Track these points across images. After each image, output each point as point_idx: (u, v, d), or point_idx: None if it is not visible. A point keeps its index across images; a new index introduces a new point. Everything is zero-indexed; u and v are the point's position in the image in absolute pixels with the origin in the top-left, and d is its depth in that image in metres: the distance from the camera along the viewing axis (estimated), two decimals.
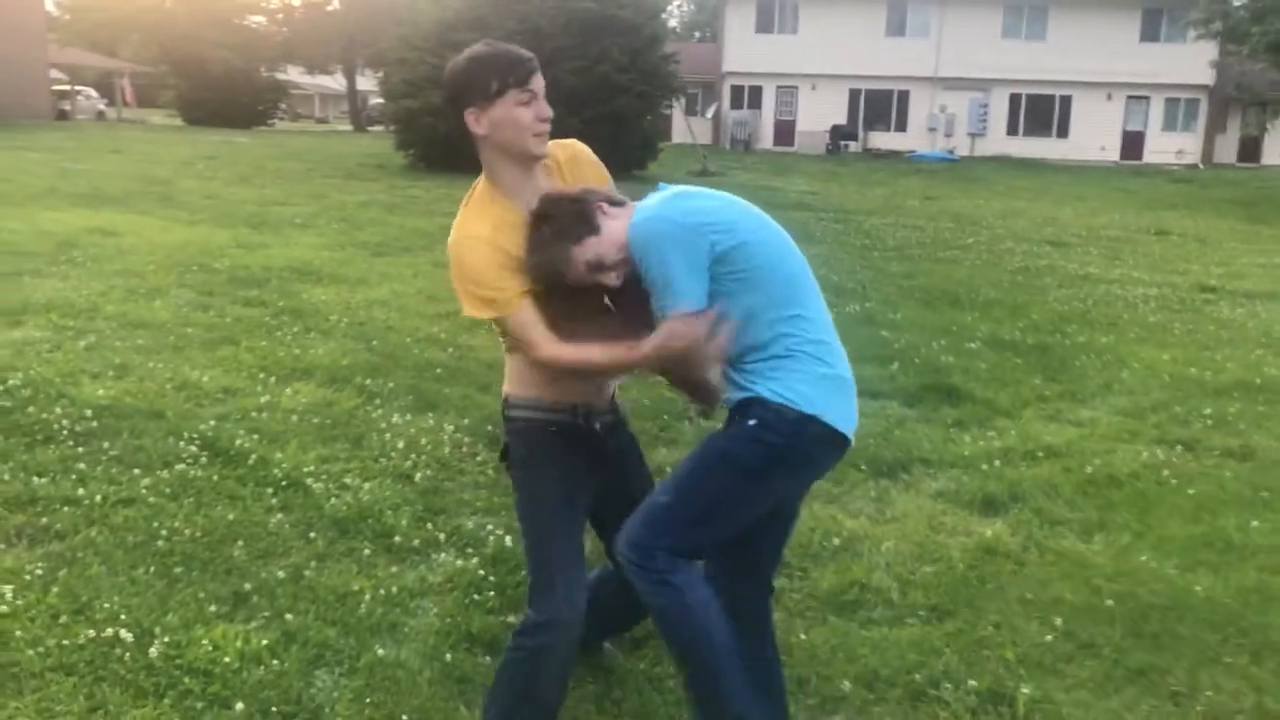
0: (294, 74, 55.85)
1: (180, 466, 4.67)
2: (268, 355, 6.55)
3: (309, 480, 4.60)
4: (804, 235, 14.73)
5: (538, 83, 2.71)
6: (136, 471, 4.59)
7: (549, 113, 2.72)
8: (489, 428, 5.40)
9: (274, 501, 4.39)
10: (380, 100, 38.26)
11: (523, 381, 2.87)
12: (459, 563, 3.93)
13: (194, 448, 4.88)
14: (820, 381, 2.61)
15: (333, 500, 4.43)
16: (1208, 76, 39.52)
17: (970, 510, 4.71)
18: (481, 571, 3.85)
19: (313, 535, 4.10)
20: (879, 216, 17.52)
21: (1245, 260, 14.04)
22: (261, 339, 6.96)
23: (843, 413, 2.65)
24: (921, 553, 4.22)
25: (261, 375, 6.13)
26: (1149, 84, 40.73)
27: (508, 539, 4.10)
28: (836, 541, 4.25)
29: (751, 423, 2.58)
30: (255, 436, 5.09)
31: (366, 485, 4.60)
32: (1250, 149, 43.56)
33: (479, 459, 5.04)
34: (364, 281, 9.32)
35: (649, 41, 24.72)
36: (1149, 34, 40.53)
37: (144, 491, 4.39)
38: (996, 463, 5.26)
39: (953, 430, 5.87)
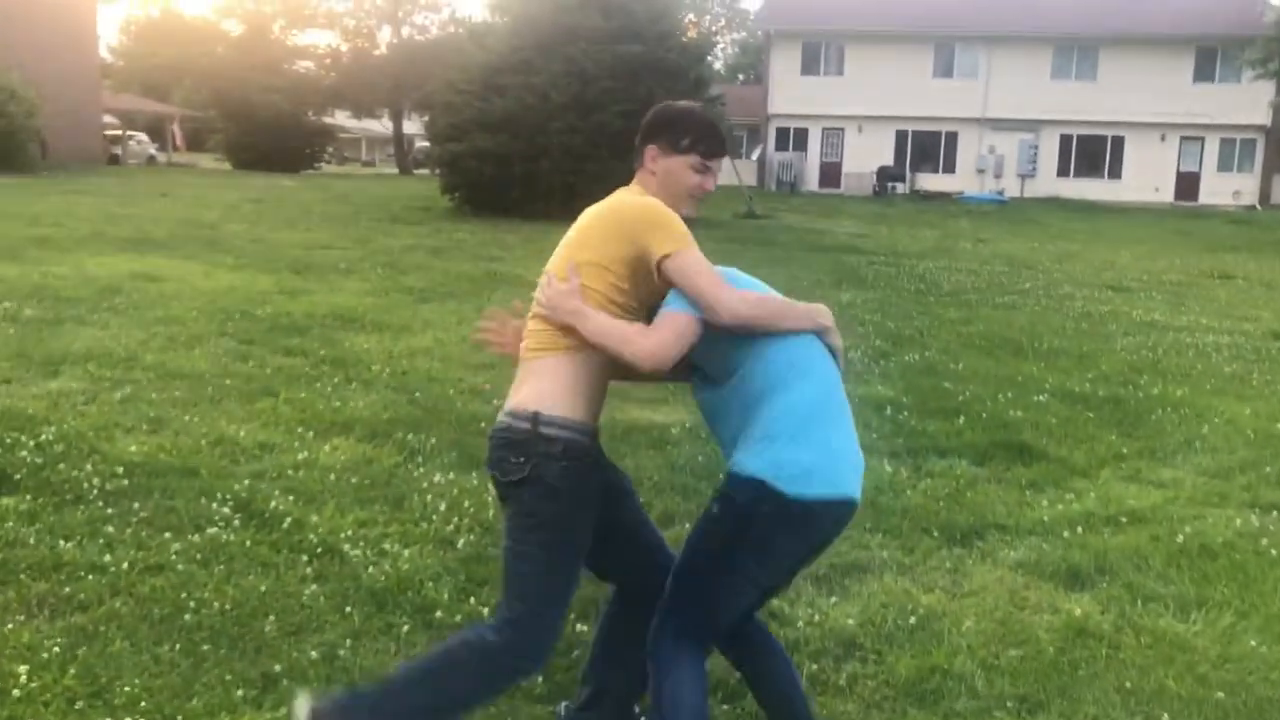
0: (341, 118, 56.60)
1: (212, 530, 4.43)
2: (307, 408, 6.33)
3: (346, 546, 4.34)
4: (856, 279, 14.47)
5: (720, 164, 2.90)
6: (167, 535, 4.35)
7: (713, 188, 2.89)
8: None
9: (308, 570, 4.13)
10: (425, 144, 38.51)
11: (571, 394, 2.68)
12: None
13: (227, 509, 4.64)
14: None
15: (370, 569, 4.16)
16: (1265, 116, 38.84)
17: (1054, 583, 4.36)
18: None
19: (349, 609, 3.83)
20: (931, 260, 17.17)
21: None
22: (301, 390, 6.75)
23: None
24: (1005, 633, 3.88)
25: (300, 429, 5.90)
26: (1203, 124, 40.07)
27: None
28: (912, 620, 3.91)
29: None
30: (291, 497, 4.85)
31: (406, 552, 4.33)
32: None
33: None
34: (407, 329, 9.12)
35: (695, 85, 24.59)
36: (1203, 74, 39.94)
37: (173, 558, 4.15)
38: (1079, 529, 4.91)
39: (1028, 492, 5.51)
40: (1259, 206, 39.53)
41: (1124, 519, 5.11)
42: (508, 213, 21.73)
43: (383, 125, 61.64)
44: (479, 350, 8.39)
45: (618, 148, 22.18)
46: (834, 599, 4.12)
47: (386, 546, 4.39)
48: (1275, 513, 5.28)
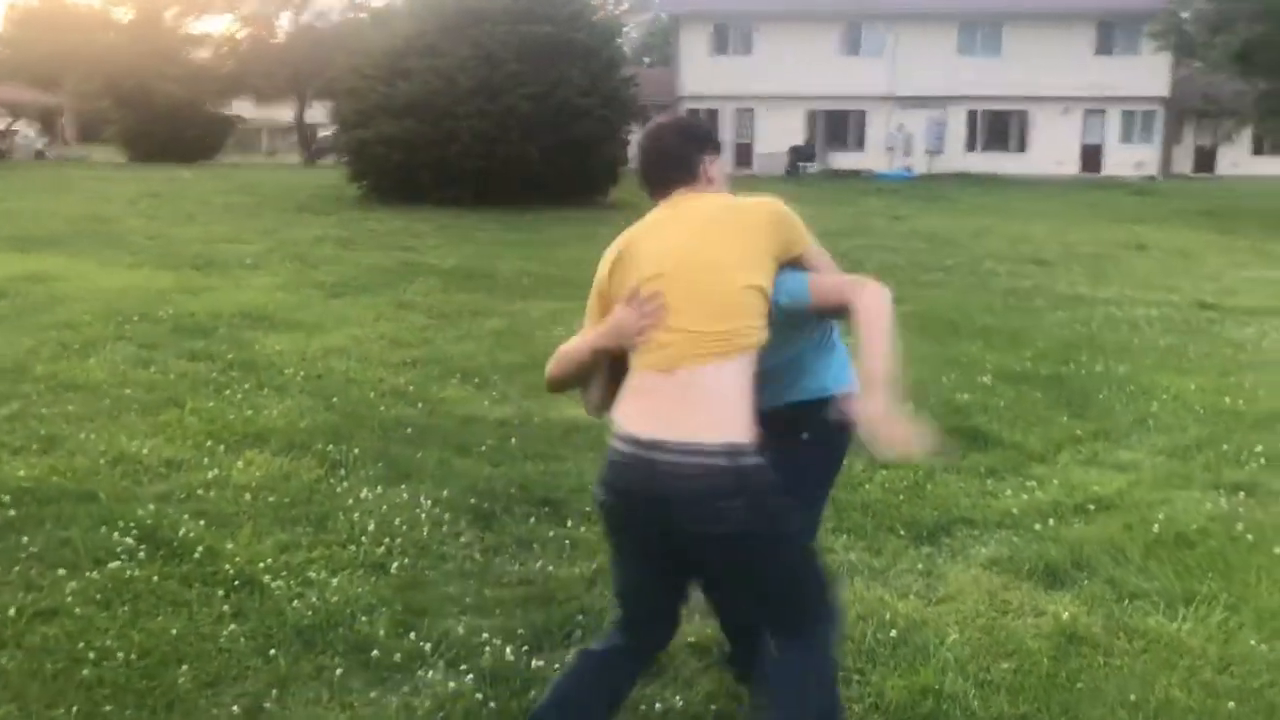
0: (241, 107, 54.90)
1: (113, 564, 3.97)
2: (216, 418, 5.85)
3: (266, 577, 3.91)
4: None
5: None
6: (61, 572, 3.89)
7: None
8: (471, 500, 4.74)
9: (225, 607, 3.70)
10: (328, 132, 37.49)
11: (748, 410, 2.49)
12: (450, 684, 3.25)
13: (130, 539, 4.18)
14: None
15: (295, 603, 3.74)
16: (1164, 88, 39.62)
17: (1033, 582, 4.10)
18: (479, 694, 3.18)
19: (273, 651, 3.41)
20: (849, 239, 16.97)
21: (1232, 275, 13.63)
22: (209, 399, 6.26)
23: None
24: (993, 643, 3.60)
25: (209, 444, 5.42)
26: (1106, 97, 40.72)
27: (507, 649, 3.44)
28: (893, 633, 3.61)
29: None
30: (202, 522, 4.39)
31: (334, 581, 3.91)
32: (1205, 159, 43.71)
33: (462, 539, 4.37)
34: (321, 327, 8.62)
35: (607, 65, 24.20)
36: (1104, 47, 40.55)
37: (69, 599, 3.69)
38: (1049, 521, 4.67)
39: (989, 481, 5.26)
40: (1159, 177, 40.35)
41: (1092, 507, 4.89)
42: (418, 200, 21.12)
43: (284, 114, 60.02)
44: (399, 346, 7.97)
45: (529, 131, 21.72)
46: None
47: (312, 575, 3.98)
48: (1241, 494, 5.11)
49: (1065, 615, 3.77)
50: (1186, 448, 5.86)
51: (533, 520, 4.57)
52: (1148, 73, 38.87)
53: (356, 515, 4.52)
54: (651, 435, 2.44)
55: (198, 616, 3.63)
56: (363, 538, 4.30)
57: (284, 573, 3.97)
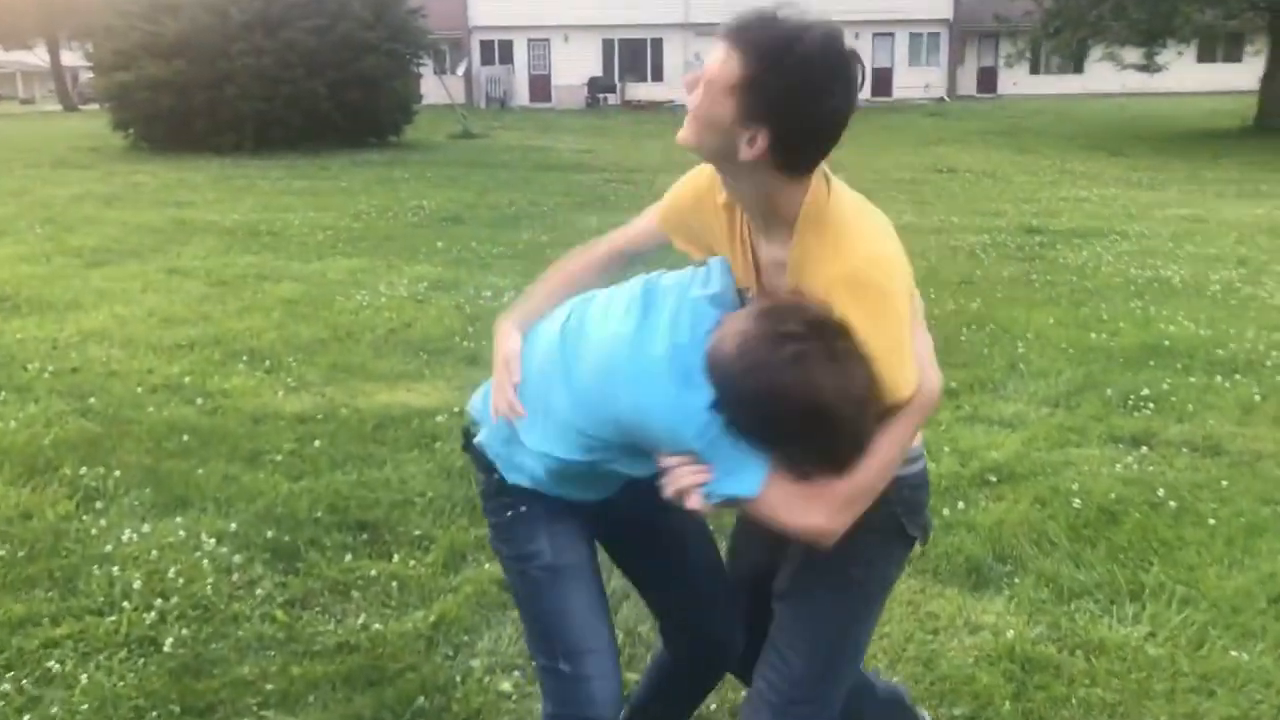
0: None
1: None
2: None
3: None
4: (598, 200, 13.39)
5: None
6: None
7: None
8: (267, 531, 3.79)
9: None
10: (91, 75, 34.32)
11: None
12: None
13: None
14: None
15: (26, 719, 2.76)
16: (948, 10, 40.41)
17: (956, 585, 3.47)
18: None
19: None
20: (666, 174, 16.18)
21: (1048, 195, 13.59)
22: None
23: None
24: (935, 679, 2.94)
25: None
26: (893, 20, 41.28)
27: None
28: None
29: None
30: None
31: (85, 676, 2.93)
32: (988, 80, 45.04)
33: (259, 590, 3.43)
34: (76, 305, 7.33)
35: None
36: None
37: None
38: (957, 502, 4.06)
39: None
40: (947, 98, 41.31)
41: (994, 478, 4.31)
42: (193, 148, 19.30)
43: (38, 57, 55.06)
44: (172, 325, 6.81)
45: (314, 68, 20.15)
46: None
47: (54, 665, 2.98)
48: (1143, 448, 4.65)
49: (1009, 632, 3.14)
50: (1067, 395, 5.39)
51: (348, 555, 3.66)
52: None
53: (117, 568, 3.51)
54: None
55: None
56: (125, 602, 3.31)
57: (16, 666, 2.97)
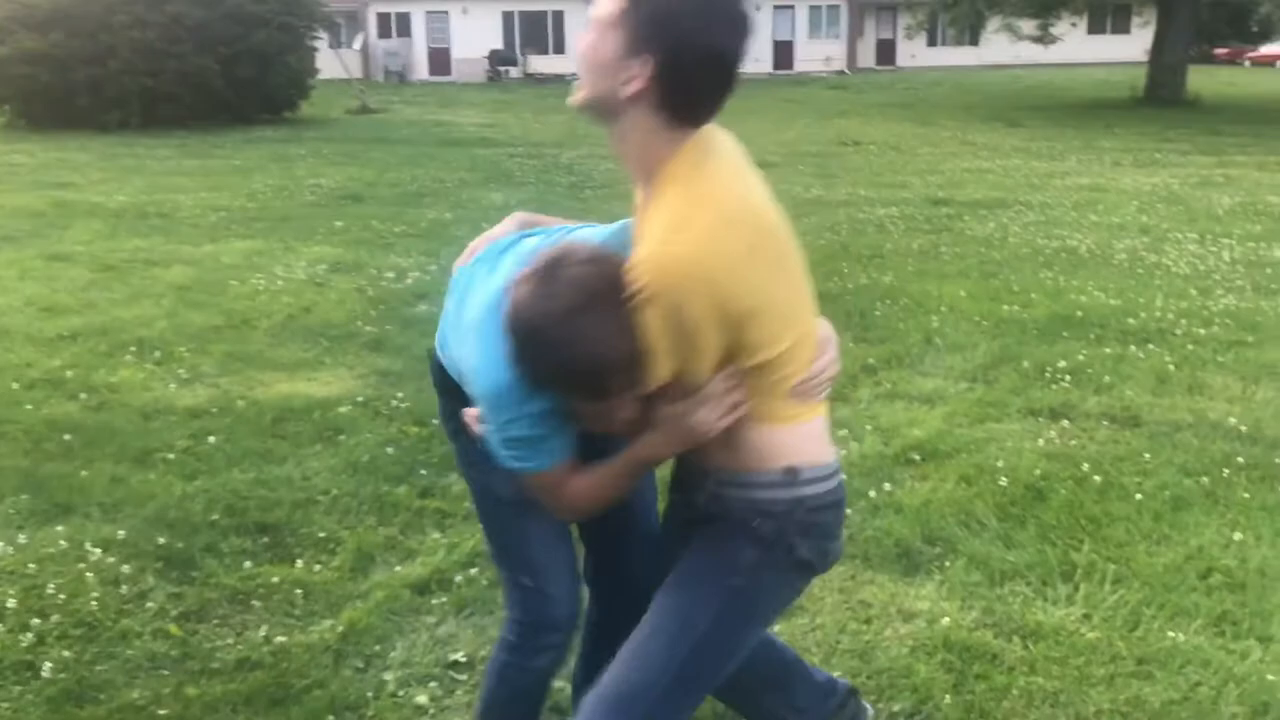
0: None
1: None
2: None
3: None
4: (502, 176, 13.12)
5: None
6: None
7: None
8: (159, 537, 3.53)
9: None
10: None
11: None
12: None
13: None
14: None
15: None
16: None
17: (886, 570, 3.37)
18: None
19: None
20: (571, 148, 16.06)
21: (950, 167, 13.68)
22: None
23: None
24: (869, 669, 2.83)
25: None
26: None
27: None
28: None
29: None
30: None
31: None
32: (887, 52, 45.51)
33: (149, 603, 3.18)
34: None
35: None
36: None
37: None
38: (883, 483, 3.96)
39: None
40: (848, 71, 41.62)
41: (917, 456, 4.24)
42: (76, 125, 18.48)
43: None
44: (53, 315, 6.43)
45: (203, 42, 19.44)
46: None
47: None
48: (1065, 422, 4.62)
49: (944, 619, 3.05)
50: (984, 368, 5.35)
51: (247, 561, 3.42)
52: None
53: None
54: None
55: None
56: None
57: None
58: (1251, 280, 7.17)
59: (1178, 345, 5.69)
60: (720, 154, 1.69)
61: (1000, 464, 4.12)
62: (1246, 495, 3.85)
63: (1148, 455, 4.22)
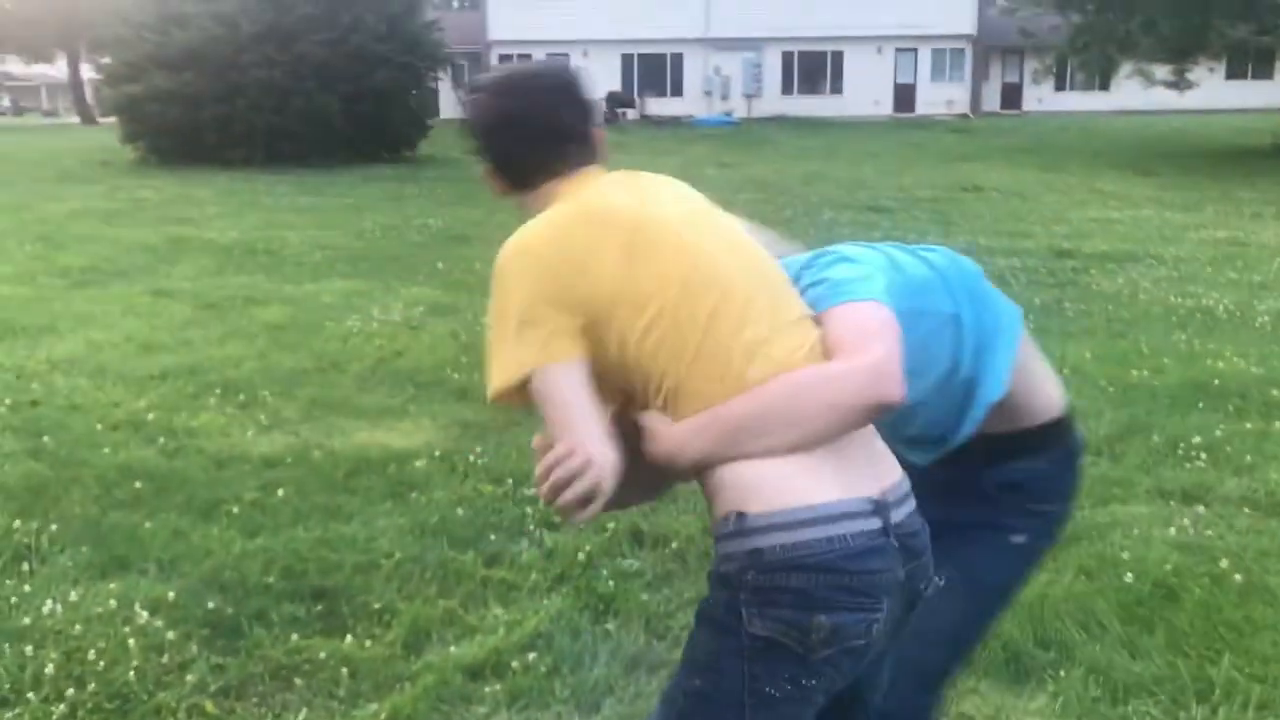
0: (13, 65, 50.20)
1: None
2: None
3: None
4: None
5: None
6: None
7: None
8: (209, 601, 3.35)
9: None
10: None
11: None
12: None
13: None
14: None
15: None
16: (971, 25, 39.96)
17: (991, 676, 3.00)
18: None
19: None
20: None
21: (1077, 216, 13.09)
22: None
23: None
24: None
25: None
26: (916, 35, 40.81)
27: None
28: None
29: None
30: None
31: None
32: (1012, 96, 44.50)
33: (190, 676, 2.98)
34: (51, 330, 6.95)
35: (407, 8, 22.36)
36: None
37: None
38: None
39: None
40: (971, 115, 40.77)
41: None
42: (203, 161, 19.01)
43: (59, 70, 55.17)
44: (148, 352, 6.40)
45: (326, 81, 19.89)
46: None
47: None
48: (1200, 507, 4.16)
49: None
50: (1111, 441, 4.90)
51: (295, 633, 3.20)
52: (955, 10, 39.09)
53: (31, 647, 3.08)
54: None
55: None
56: (32, 692, 2.88)
57: None
58: None
59: None
60: (607, 178, 1.75)
61: (1126, 555, 3.69)
62: None
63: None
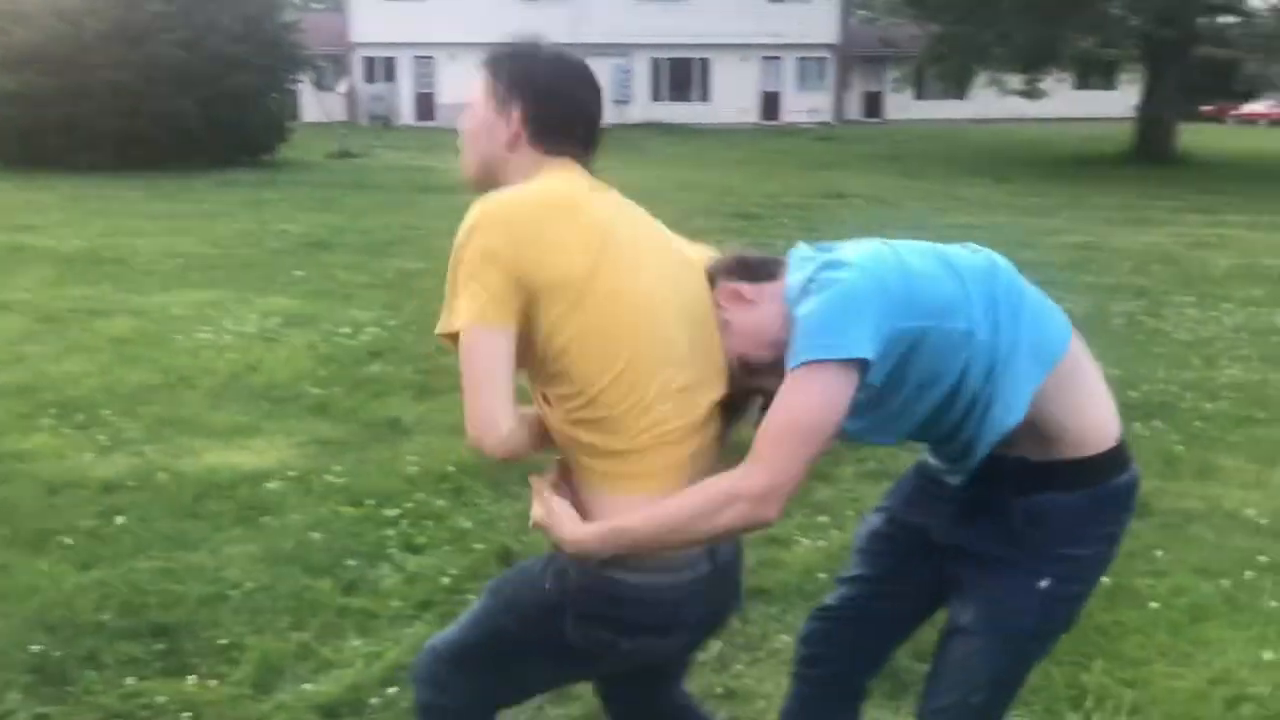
0: None
1: None
2: None
3: None
4: None
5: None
6: None
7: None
8: (33, 644, 3.07)
9: None
10: None
11: None
12: None
13: None
14: None
15: None
16: (834, 35, 40.76)
17: (873, 698, 2.93)
18: None
19: None
20: None
21: (937, 222, 13.32)
22: None
23: None
24: None
25: None
26: (781, 44, 41.45)
27: None
28: None
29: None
30: None
31: None
32: (873, 105, 45.61)
33: None
34: None
35: (265, 9, 21.68)
36: None
37: None
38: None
39: None
40: (834, 123, 41.61)
41: None
42: (46, 165, 18.05)
43: None
44: None
45: (183, 83, 19.09)
46: None
47: None
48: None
49: None
50: None
51: (131, 675, 2.96)
52: (819, 19, 39.85)
53: None
54: None
55: None
56: None
57: None
58: (1257, 349, 6.82)
59: (1184, 422, 5.31)
60: (592, 181, 1.83)
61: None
62: (1274, 604, 3.44)
63: (1159, 552, 3.81)
